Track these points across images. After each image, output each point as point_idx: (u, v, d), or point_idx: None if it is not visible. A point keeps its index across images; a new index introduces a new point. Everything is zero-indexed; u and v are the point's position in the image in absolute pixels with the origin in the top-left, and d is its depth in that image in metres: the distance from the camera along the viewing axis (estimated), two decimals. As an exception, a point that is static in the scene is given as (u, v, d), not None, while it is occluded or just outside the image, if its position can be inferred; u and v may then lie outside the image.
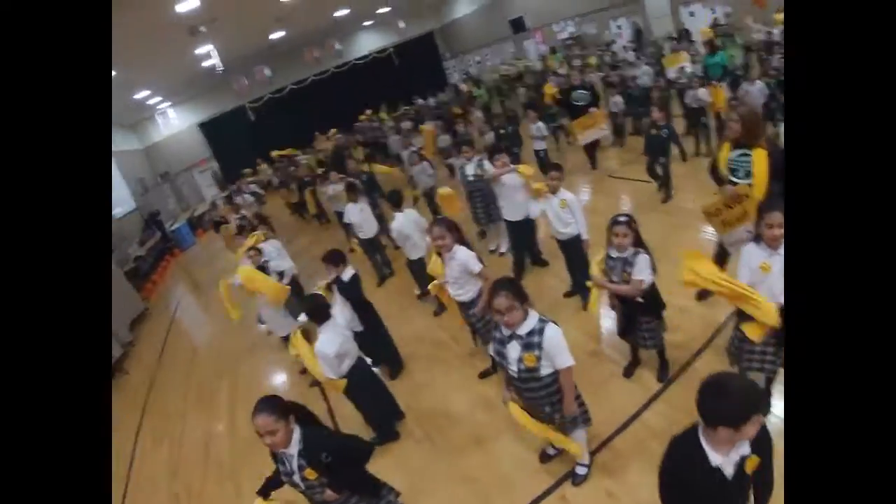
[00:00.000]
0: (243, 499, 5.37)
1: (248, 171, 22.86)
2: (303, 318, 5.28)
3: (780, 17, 13.41)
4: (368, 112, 24.50)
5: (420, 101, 24.71)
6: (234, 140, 27.05)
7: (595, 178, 10.68)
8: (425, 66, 31.65)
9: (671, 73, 12.05)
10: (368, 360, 5.04)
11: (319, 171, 17.94)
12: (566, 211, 5.82)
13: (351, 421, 5.54)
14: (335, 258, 5.88)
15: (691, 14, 19.77)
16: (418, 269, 7.24)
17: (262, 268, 7.22)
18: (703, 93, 9.53)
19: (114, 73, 13.73)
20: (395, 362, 6.48)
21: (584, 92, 10.77)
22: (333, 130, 22.82)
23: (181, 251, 20.11)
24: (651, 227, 6.32)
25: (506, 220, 7.28)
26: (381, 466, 4.06)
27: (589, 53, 20.84)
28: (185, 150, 27.71)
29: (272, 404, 2.99)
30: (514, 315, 3.35)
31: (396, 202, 7.34)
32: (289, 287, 7.27)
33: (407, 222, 7.09)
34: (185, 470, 6.53)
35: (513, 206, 6.91)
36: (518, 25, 27.94)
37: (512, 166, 6.72)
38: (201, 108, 27.99)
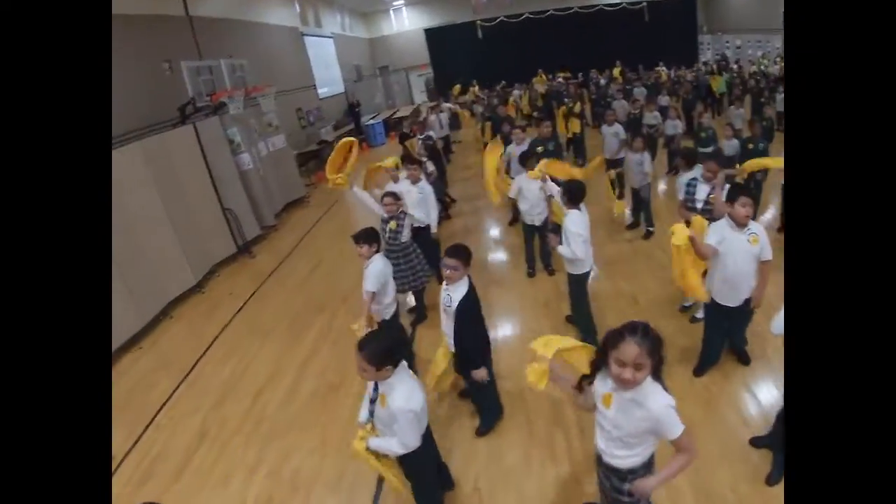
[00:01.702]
0: (255, 470, 4.70)
1: (457, 89, 21.53)
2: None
3: None
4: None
5: (663, 68, 21.97)
6: (455, 54, 25.93)
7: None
8: (677, 33, 27.94)
9: None
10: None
11: (533, 113, 16.50)
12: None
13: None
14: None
15: None
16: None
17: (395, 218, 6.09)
18: None
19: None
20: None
21: None
22: (563, 74, 20.88)
23: (370, 147, 19.34)
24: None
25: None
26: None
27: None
28: (408, 50, 27.19)
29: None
30: None
31: (574, 197, 5.27)
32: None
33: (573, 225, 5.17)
34: (230, 403, 5.71)
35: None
36: (795, 21, 23.87)
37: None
38: (434, 13, 27.16)
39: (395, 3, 26.74)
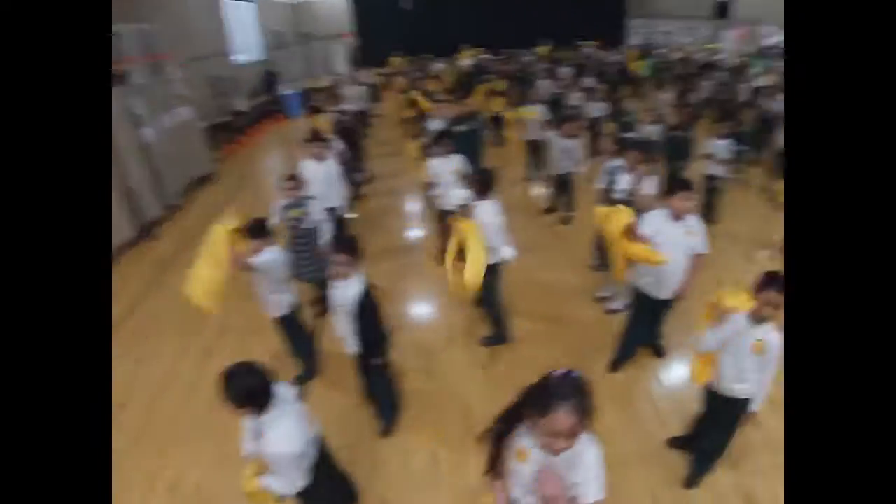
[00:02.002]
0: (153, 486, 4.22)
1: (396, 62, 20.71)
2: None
3: None
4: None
5: (587, 50, 21.82)
6: (380, 24, 25.04)
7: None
8: (606, 15, 27.86)
9: None
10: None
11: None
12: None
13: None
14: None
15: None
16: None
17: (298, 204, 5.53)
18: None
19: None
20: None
21: None
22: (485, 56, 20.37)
23: (286, 118, 18.34)
24: None
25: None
26: None
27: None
28: (333, 18, 26.06)
29: None
30: None
31: (485, 187, 4.95)
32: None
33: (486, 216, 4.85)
34: (124, 408, 5.11)
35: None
36: (723, 10, 24.22)
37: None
38: (360, -23, 26.15)
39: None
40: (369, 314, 3.80)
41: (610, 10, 28.19)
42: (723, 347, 3.35)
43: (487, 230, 4.67)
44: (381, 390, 4.43)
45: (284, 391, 2.91)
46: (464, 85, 13.74)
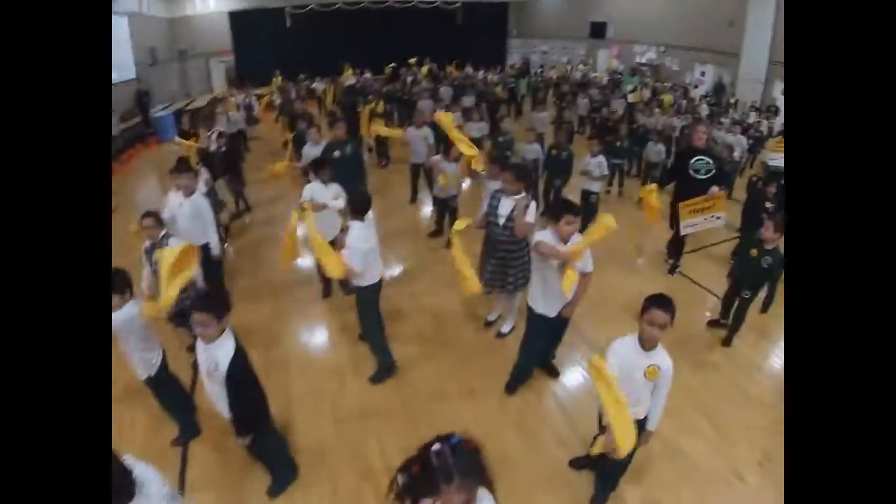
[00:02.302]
0: None
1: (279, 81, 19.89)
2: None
3: None
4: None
5: (470, 70, 22.05)
6: (260, 41, 24.21)
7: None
8: (488, 36, 28.58)
9: (774, 161, 9.12)
10: None
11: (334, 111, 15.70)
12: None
13: None
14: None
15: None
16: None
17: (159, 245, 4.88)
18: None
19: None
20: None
21: (708, 161, 6.73)
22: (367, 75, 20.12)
23: (159, 143, 17.00)
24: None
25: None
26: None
27: (661, 88, 18.38)
28: (211, 34, 24.97)
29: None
30: None
31: (358, 208, 4.75)
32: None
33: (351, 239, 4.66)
34: None
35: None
36: (598, 31, 25.30)
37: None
38: (240, -6, 25.30)
39: (198, -20, 24.53)
40: (238, 385, 3.26)
41: (492, 30, 28.95)
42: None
43: (352, 254, 4.51)
44: (266, 453, 4.00)
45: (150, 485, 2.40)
46: (345, 106, 13.43)
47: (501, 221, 5.02)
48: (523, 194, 4.92)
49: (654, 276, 7.32)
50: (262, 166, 12.39)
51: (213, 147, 9.00)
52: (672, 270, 7.39)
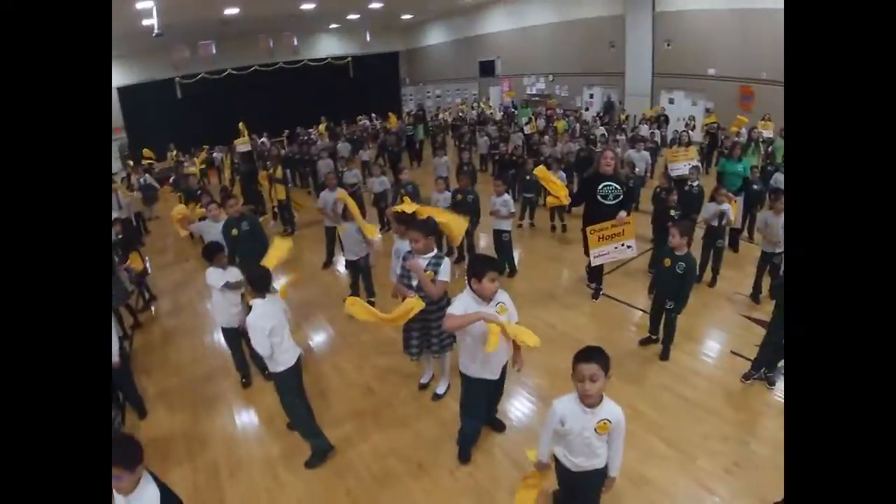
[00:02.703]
0: None
1: (149, 156, 18.99)
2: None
3: (767, 123, 12.79)
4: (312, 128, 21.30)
5: (366, 121, 21.95)
6: (152, 115, 23.23)
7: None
8: (382, 86, 28.78)
9: (677, 170, 9.41)
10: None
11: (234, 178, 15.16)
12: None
13: None
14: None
15: (671, 101, 18.24)
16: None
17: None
18: (725, 207, 6.93)
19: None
20: None
21: (616, 186, 6.59)
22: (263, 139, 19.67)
23: None
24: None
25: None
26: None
27: (554, 115, 18.81)
28: (103, 111, 23.93)
29: None
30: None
31: (259, 285, 4.35)
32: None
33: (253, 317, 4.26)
34: None
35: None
36: (487, 69, 25.91)
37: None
38: (131, 69, 24.25)
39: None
40: None
41: (384, 81, 29.17)
42: (567, 440, 3.15)
43: (255, 334, 4.13)
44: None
45: None
46: (243, 174, 12.88)
47: (415, 283, 4.73)
48: (434, 251, 4.67)
49: (581, 304, 7.21)
50: (166, 248, 11.82)
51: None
52: (596, 295, 7.29)
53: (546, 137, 13.80)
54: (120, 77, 24.07)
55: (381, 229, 10.28)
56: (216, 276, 5.49)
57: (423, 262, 4.60)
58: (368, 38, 26.56)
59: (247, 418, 5.58)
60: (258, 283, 4.30)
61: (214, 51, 22.02)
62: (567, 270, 8.29)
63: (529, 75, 23.90)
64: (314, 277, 8.91)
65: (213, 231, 7.03)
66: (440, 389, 5.51)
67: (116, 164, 23.66)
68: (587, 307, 7.11)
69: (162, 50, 21.43)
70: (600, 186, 6.61)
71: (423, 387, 5.66)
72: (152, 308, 8.57)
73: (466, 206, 7.84)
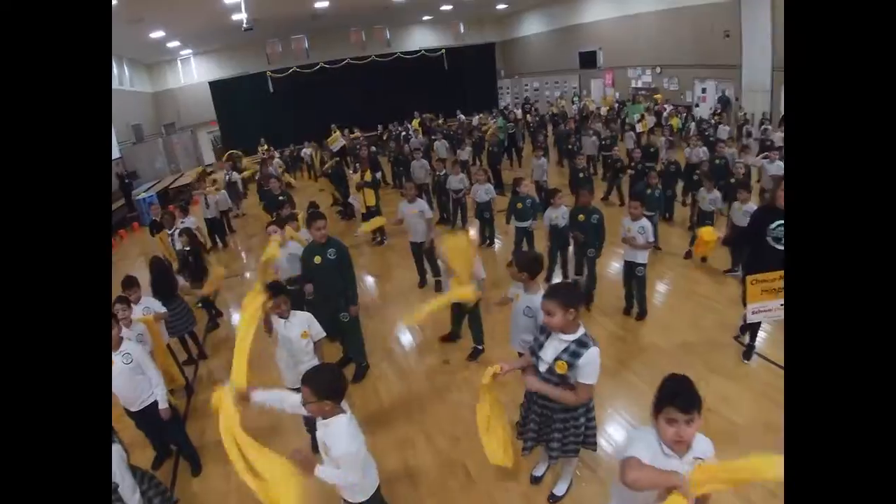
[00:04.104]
0: None
1: (237, 154, 18.15)
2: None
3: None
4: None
5: (462, 116, 20.53)
6: (243, 109, 22.88)
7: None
8: (478, 79, 27.25)
9: None
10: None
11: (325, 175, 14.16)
12: None
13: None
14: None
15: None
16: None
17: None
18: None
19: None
20: None
21: None
22: (356, 135, 18.58)
23: (143, 227, 15.42)
24: None
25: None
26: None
27: (665, 111, 16.79)
28: (197, 105, 23.79)
29: None
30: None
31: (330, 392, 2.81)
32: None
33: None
34: None
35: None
36: (588, 60, 23.90)
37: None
38: (224, 64, 24.17)
39: (181, 54, 23.28)
40: None
41: (480, 73, 27.54)
42: None
43: (347, 465, 2.82)
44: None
45: None
46: (332, 177, 11.75)
47: (543, 368, 3.25)
48: (579, 331, 3.15)
49: (728, 365, 5.42)
50: (250, 248, 10.93)
51: (177, 246, 7.58)
52: (748, 355, 5.53)
53: (663, 139, 11.89)
54: (212, 71, 23.91)
55: (483, 244, 8.89)
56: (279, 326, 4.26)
57: (559, 344, 3.13)
58: (462, 30, 25.09)
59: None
60: (328, 390, 2.75)
61: (307, 45, 21.57)
62: (708, 314, 6.47)
63: (634, 67, 21.77)
64: (408, 296, 7.57)
65: (285, 259, 5.93)
66: (559, 490, 3.99)
67: (209, 157, 23.46)
68: (738, 370, 5.35)
69: (253, 45, 21.24)
70: (773, 226, 4.87)
71: (537, 480, 4.18)
72: (220, 327, 7.54)
73: (590, 228, 6.32)
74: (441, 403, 5.22)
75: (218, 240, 11.42)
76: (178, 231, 7.82)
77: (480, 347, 5.82)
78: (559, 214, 6.85)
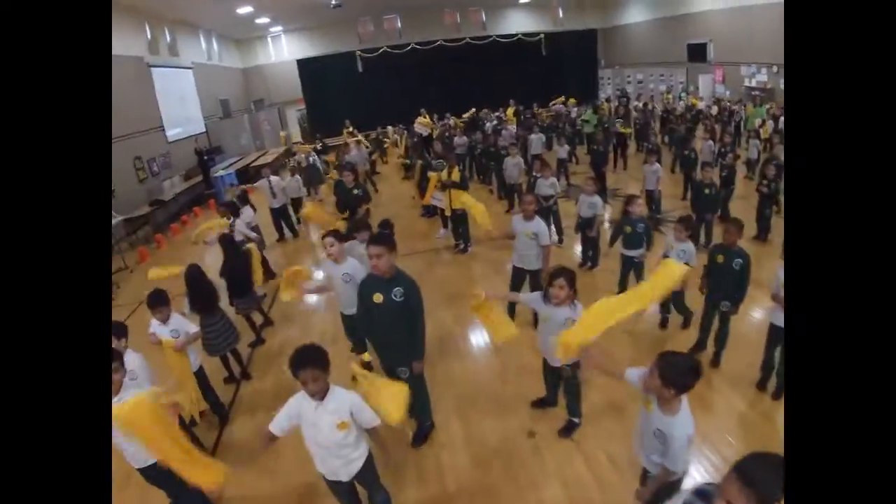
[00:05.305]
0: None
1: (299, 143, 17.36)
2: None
3: None
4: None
5: (560, 107, 18.91)
6: (332, 88, 22.09)
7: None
8: (577, 67, 25.34)
9: None
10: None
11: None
12: None
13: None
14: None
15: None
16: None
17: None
18: None
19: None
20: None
21: None
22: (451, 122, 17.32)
23: (219, 206, 14.71)
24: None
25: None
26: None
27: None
28: (285, 82, 23.22)
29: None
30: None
31: None
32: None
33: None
34: None
35: None
36: (697, 53, 21.64)
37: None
38: (315, 41, 23.46)
39: (271, 30, 22.71)
40: None
41: (580, 62, 25.67)
42: None
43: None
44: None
45: None
46: (413, 166, 10.55)
47: None
48: None
49: None
50: (312, 246, 9.97)
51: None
52: None
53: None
54: (304, 49, 23.22)
55: (584, 265, 7.42)
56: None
57: None
58: (561, 14, 23.35)
59: None
60: None
61: (399, 24, 20.91)
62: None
63: (749, 64, 19.43)
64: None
65: (335, 278, 4.81)
66: None
67: (297, 133, 22.88)
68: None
69: (345, 23, 20.58)
70: None
71: None
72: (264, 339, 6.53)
73: (729, 275, 4.75)
74: (519, 501, 3.87)
75: (286, 228, 10.43)
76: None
77: (577, 420, 4.43)
78: (681, 248, 5.35)
